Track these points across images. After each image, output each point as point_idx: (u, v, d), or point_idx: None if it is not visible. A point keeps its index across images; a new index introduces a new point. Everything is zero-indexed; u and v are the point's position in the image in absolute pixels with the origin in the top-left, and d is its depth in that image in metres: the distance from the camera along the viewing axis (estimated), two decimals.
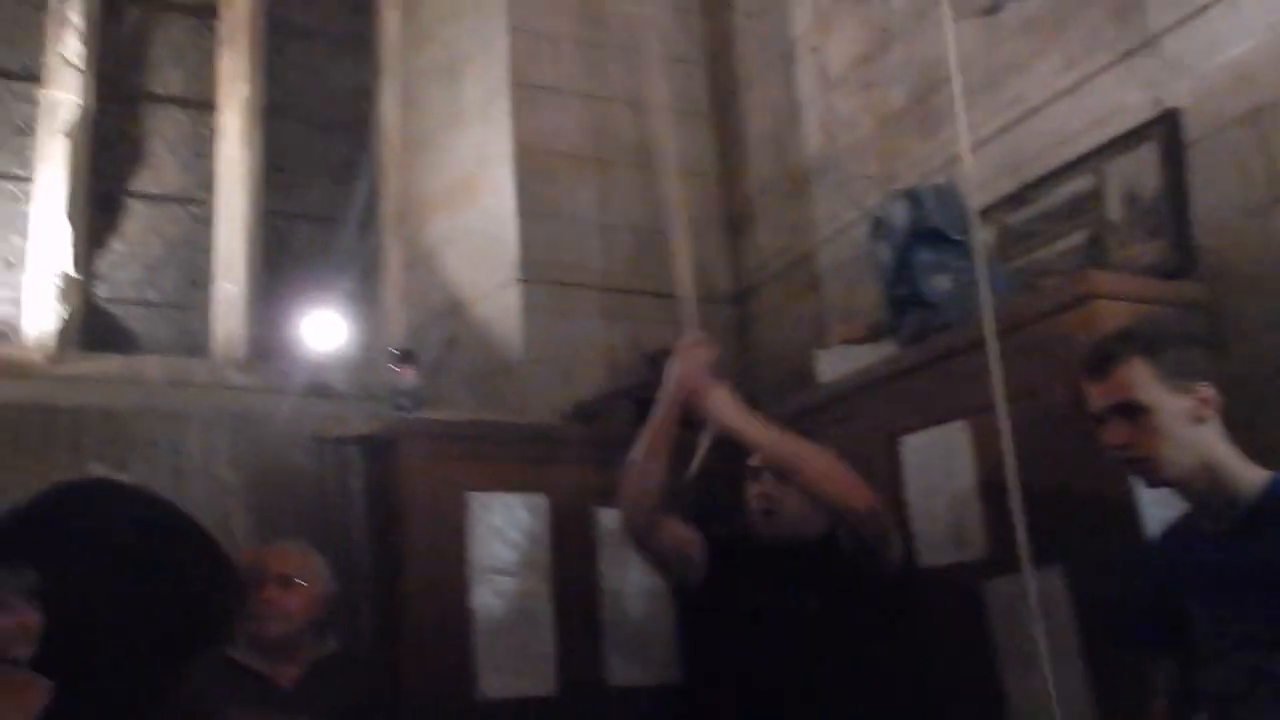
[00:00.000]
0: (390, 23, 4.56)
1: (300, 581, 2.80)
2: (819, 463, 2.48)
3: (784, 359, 3.84)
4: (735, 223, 4.26)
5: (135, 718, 2.89)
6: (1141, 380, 1.82)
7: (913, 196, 2.96)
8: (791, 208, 3.97)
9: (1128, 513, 2.18)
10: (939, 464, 2.71)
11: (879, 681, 2.47)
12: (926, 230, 2.90)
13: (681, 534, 2.64)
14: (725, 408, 2.51)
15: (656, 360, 3.38)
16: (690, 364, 2.55)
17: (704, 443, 2.55)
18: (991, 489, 2.56)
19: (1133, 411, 1.82)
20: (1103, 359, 1.88)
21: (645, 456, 2.57)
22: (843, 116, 3.77)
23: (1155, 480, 1.87)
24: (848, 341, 3.22)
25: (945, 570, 2.66)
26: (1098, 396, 1.88)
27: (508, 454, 3.30)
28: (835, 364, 3.16)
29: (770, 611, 2.55)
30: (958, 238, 2.87)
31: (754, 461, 2.70)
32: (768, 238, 4.09)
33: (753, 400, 3.58)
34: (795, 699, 2.47)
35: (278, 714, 2.67)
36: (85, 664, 3.31)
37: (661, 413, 2.58)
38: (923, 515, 2.75)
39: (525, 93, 4.04)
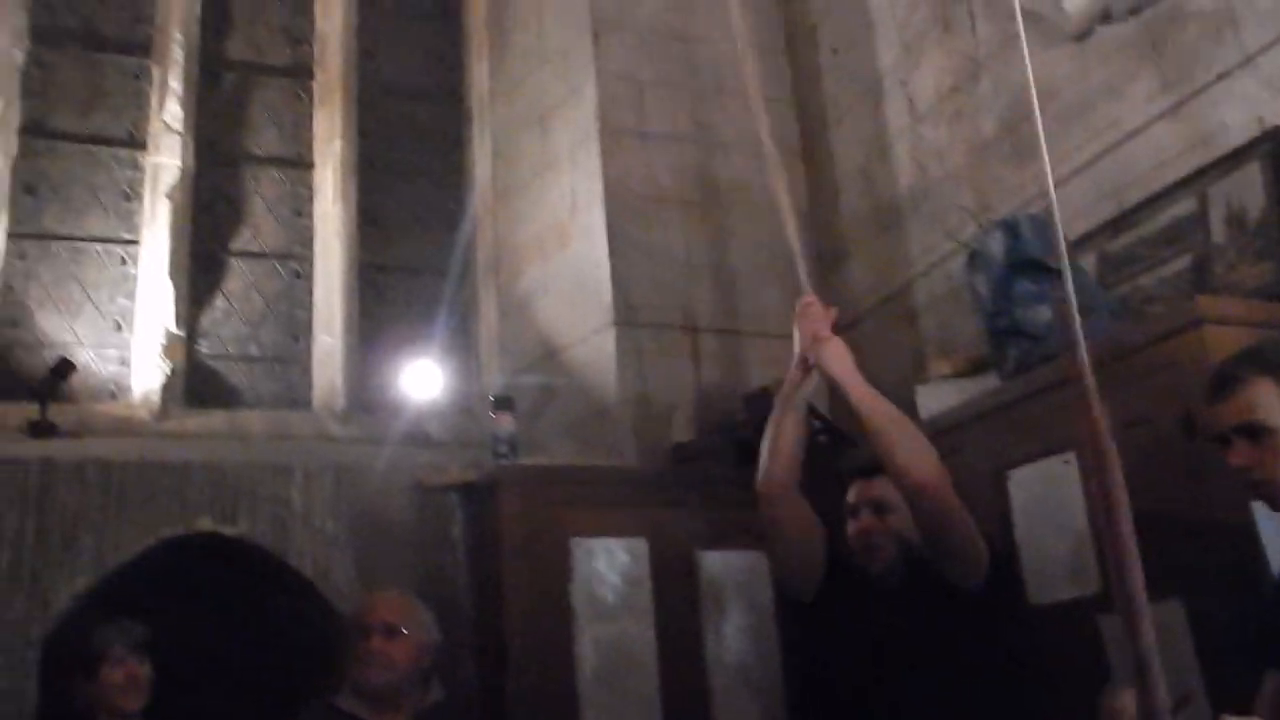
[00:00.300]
0: (478, 74, 4.74)
1: (404, 630, 2.90)
2: (900, 430, 2.58)
3: (886, 395, 3.85)
4: (828, 259, 4.31)
5: None
6: (1266, 401, 1.83)
7: (1009, 226, 2.98)
8: (885, 242, 4.00)
9: (1247, 541, 2.16)
10: (1048, 497, 2.70)
11: (980, 707, 2.47)
12: (1024, 260, 2.92)
13: (811, 517, 2.75)
14: (838, 357, 2.66)
15: (753, 401, 3.45)
16: (812, 316, 2.70)
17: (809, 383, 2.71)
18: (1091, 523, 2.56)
19: (1257, 433, 1.83)
20: (1226, 380, 1.90)
21: (777, 417, 2.73)
22: (933, 148, 3.81)
23: (1278, 504, 1.87)
24: (948, 375, 3.23)
25: (1060, 607, 2.65)
26: (1221, 417, 1.89)
27: (607, 498, 3.38)
28: (936, 398, 3.19)
29: (874, 637, 2.62)
30: (1057, 266, 2.88)
31: (851, 498, 2.75)
32: (861, 273, 4.13)
33: (849, 439, 3.64)
34: None
35: None
36: (196, 716, 3.46)
37: (791, 369, 2.75)
38: (1034, 551, 2.74)
39: (614, 137, 4.16)
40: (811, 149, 4.45)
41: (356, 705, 2.86)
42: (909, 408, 3.28)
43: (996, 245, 2.98)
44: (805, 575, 2.76)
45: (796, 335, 2.74)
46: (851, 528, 2.76)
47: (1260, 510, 2.14)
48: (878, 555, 2.70)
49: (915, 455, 2.54)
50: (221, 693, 3.86)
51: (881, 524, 2.71)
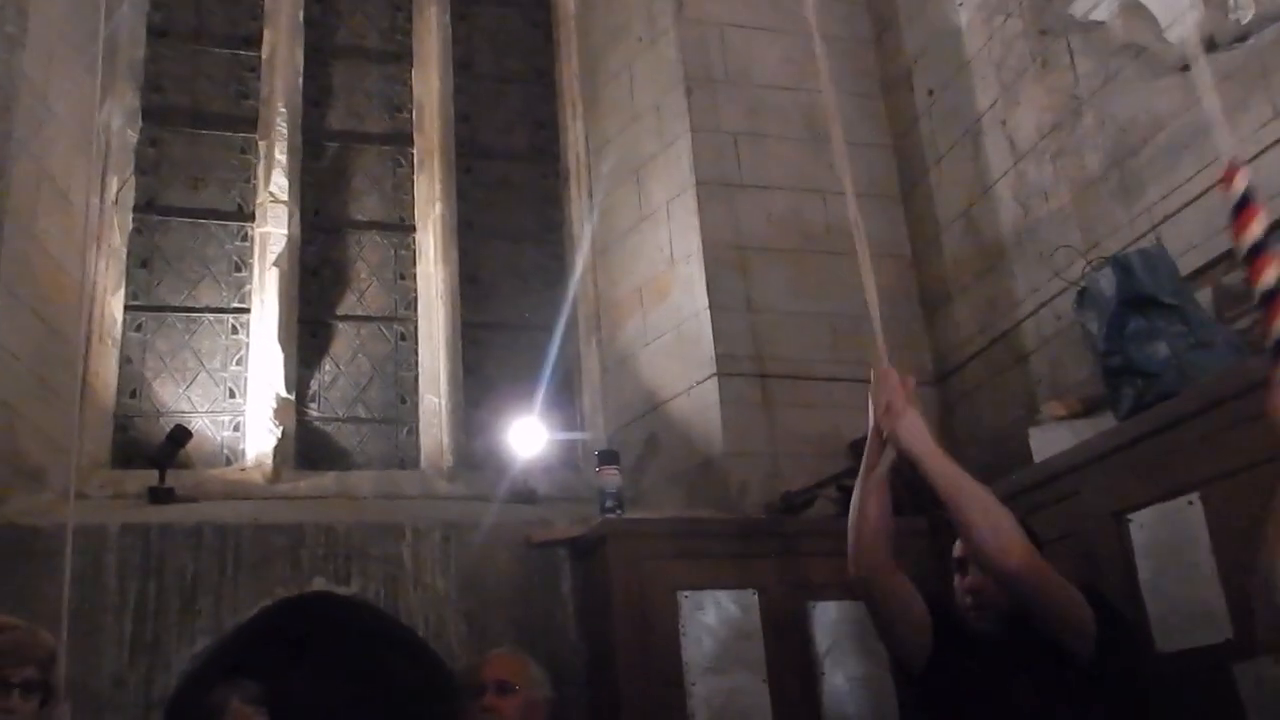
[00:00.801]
0: (574, 133, 4.91)
1: (516, 687, 2.99)
2: (979, 509, 2.46)
3: (992, 439, 3.85)
4: (932, 303, 4.33)
5: None
6: None
7: (1119, 263, 2.98)
8: (990, 283, 4.01)
9: None
10: (1171, 540, 2.67)
11: None
12: (1137, 297, 2.91)
13: (908, 589, 2.67)
14: (914, 432, 2.56)
15: (861, 447, 3.47)
16: (888, 386, 2.62)
17: (886, 458, 2.61)
18: (1231, 564, 2.52)
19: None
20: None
21: (862, 491, 2.66)
22: (1037, 186, 3.82)
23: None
24: (1062, 417, 3.22)
25: (1189, 655, 2.62)
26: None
27: (716, 550, 3.43)
28: (1050, 441, 3.18)
29: (991, 707, 2.55)
30: (1171, 302, 2.88)
31: (958, 552, 2.72)
32: (967, 315, 4.14)
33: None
34: None
35: None
36: None
37: (868, 443, 2.67)
38: (1158, 596, 2.71)
39: (709, 189, 4.26)
40: (912, 192, 4.50)
41: None
42: (1022, 451, 3.28)
43: (1107, 283, 2.98)
44: (913, 647, 2.69)
45: (871, 408, 2.65)
46: (958, 583, 2.70)
47: None
48: (985, 614, 2.63)
49: (999, 537, 2.45)
50: None
51: (989, 581, 2.61)
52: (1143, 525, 2.77)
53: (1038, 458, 3.22)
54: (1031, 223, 3.84)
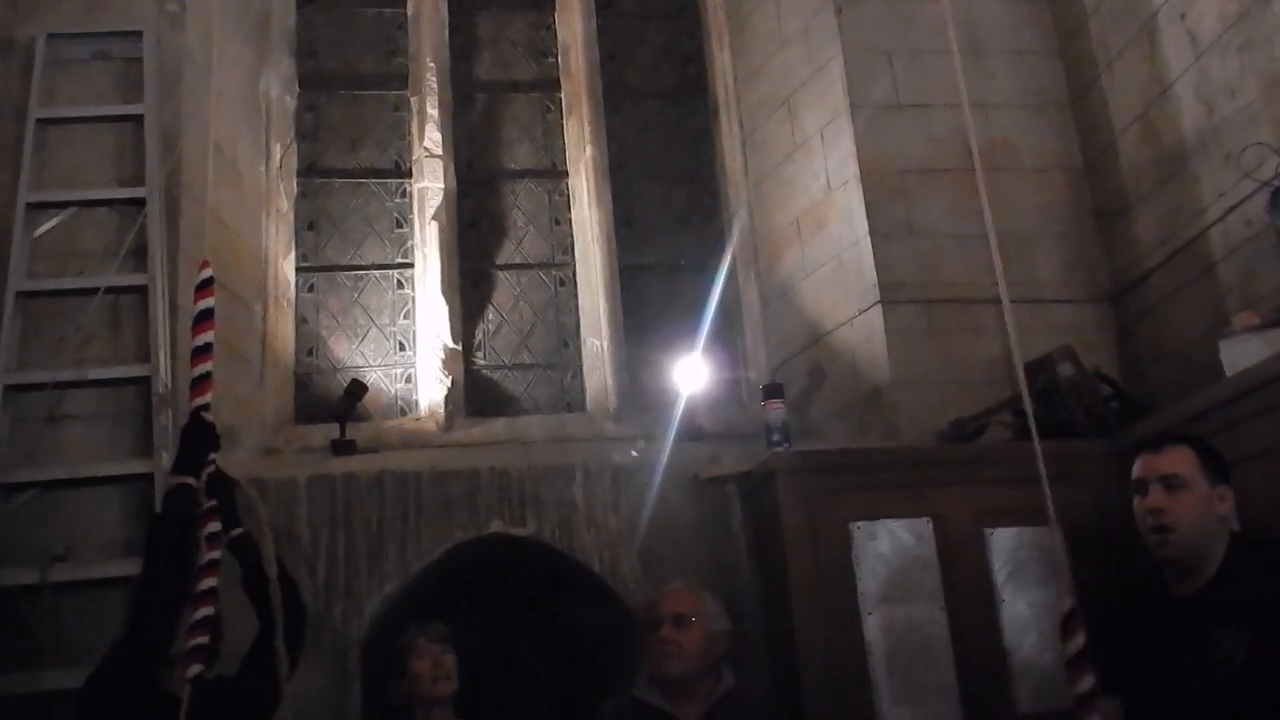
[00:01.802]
0: (721, 65, 4.92)
1: (693, 619, 3.10)
2: None
3: (1179, 354, 3.74)
4: (1108, 216, 4.20)
5: None
6: None
7: None
8: (1172, 190, 3.87)
9: None
10: None
11: None
12: None
13: None
14: None
15: (1034, 369, 3.44)
16: None
17: None
18: None
19: None
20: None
21: None
22: (1222, 83, 3.66)
23: None
24: (1255, 327, 3.12)
25: None
26: None
27: (887, 480, 3.46)
28: (1244, 353, 3.08)
29: (1193, 674, 2.49)
30: None
31: (1138, 473, 2.68)
32: (1147, 227, 4.01)
33: (1140, 404, 3.55)
34: None
35: None
36: (503, 710, 3.77)
37: None
38: None
39: (864, 112, 4.21)
40: (1082, 99, 4.36)
41: (654, 696, 3.08)
42: (1213, 366, 3.20)
43: None
44: None
45: None
46: (1138, 505, 2.67)
47: None
48: (1169, 539, 2.59)
49: None
50: (524, 689, 4.18)
51: (1173, 502, 2.60)
52: None
53: (1230, 371, 3.13)
54: (1216, 122, 3.68)
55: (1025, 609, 3.36)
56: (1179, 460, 2.64)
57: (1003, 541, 3.41)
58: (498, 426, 4.30)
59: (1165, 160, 3.91)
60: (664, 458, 3.78)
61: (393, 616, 3.56)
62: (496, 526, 3.73)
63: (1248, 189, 3.45)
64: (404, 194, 4.65)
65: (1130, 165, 4.11)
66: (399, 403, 4.39)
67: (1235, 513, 2.73)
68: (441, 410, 4.28)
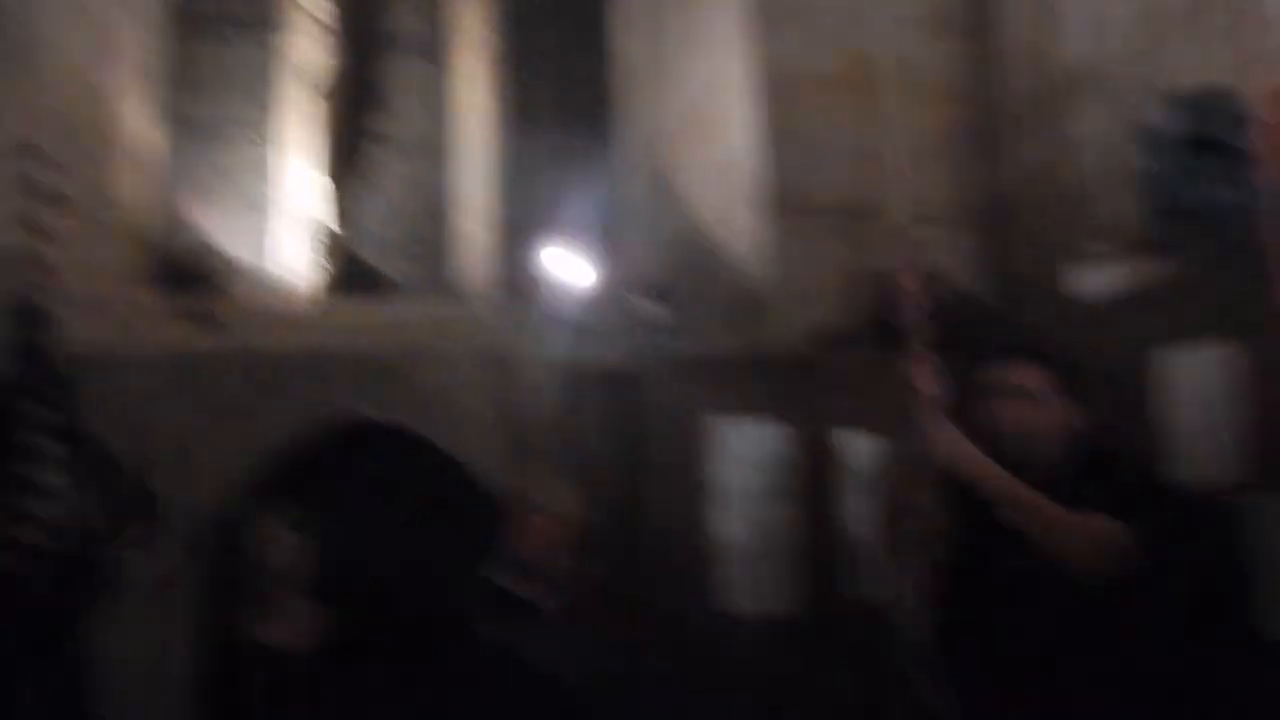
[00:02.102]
0: None
1: (555, 510, 3.14)
2: (1057, 518, 2.38)
3: (1044, 277, 3.88)
4: (992, 140, 4.29)
5: (413, 639, 3.30)
6: None
7: (1189, 103, 2.96)
8: (1051, 121, 3.97)
9: None
10: (1201, 382, 2.77)
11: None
12: (1203, 139, 2.90)
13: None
14: (956, 453, 2.45)
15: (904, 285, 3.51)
16: (921, 383, 2.44)
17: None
18: (1254, 408, 2.61)
19: None
20: None
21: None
22: (1111, 20, 3.74)
23: None
24: (1110, 256, 3.26)
25: (1200, 489, 2.74)
26: None
27: (754, 383, 3.54)
28: (1099, 280, 3.22)
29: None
30: (1238, 145, 2.87)
31: (990, 385, 2.76)
32: (1027, 154, 4.11)
33: (1010, 323, 3.68)
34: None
35: (541, 637, 3.02)
36: (362, 594, 3.79)
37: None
38: (1180, 434, 2.82)
39: (761, 17, 4.18)
40: (977, 24, 4.40)
41: (514, 582, 3.12)
42: (1073, 290, 3.34)
43: (1174, 124, 2.96)
44: None
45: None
46: (989, 416, 2.74)
47: None
48: (1017, 448, 2.68)
49: (1076, 549, 2.36)
50: (383, 573, 4.20)
51: (1022, 413, 2.56)
52: (1176, 367, 2.86)
53: (1085, 297, 3.28)
54: (1101, 58, 3.77)
55: (866, 511, 3.50)
56: (1029, 374, 2.74)
57: (856, 449, 3.54)
58: (369, 309, 4.23)
59: (1049, 91, 4.00)
60: (537, 347, 3.77)
61: (248, 497, 3.51)
62: (362, 410, 3.68)
63: (1122, 126, 3.55)
64: (273, 51, 4.44)
65: (1016, 93, 4.19)
66: (266, 278, 4.27)
67: (1079, 424, 2.89)
68: (309, 289, 4.19)
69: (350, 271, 4.34)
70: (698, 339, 3.85)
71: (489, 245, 4.36)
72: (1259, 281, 2.58)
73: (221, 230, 4.25)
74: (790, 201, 4.01)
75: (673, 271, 4.23)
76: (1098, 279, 3.19)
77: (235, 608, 3.24)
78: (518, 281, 4.21)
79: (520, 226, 4.47)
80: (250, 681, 3.09)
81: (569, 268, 3.93)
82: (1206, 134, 2.91)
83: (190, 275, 3.94)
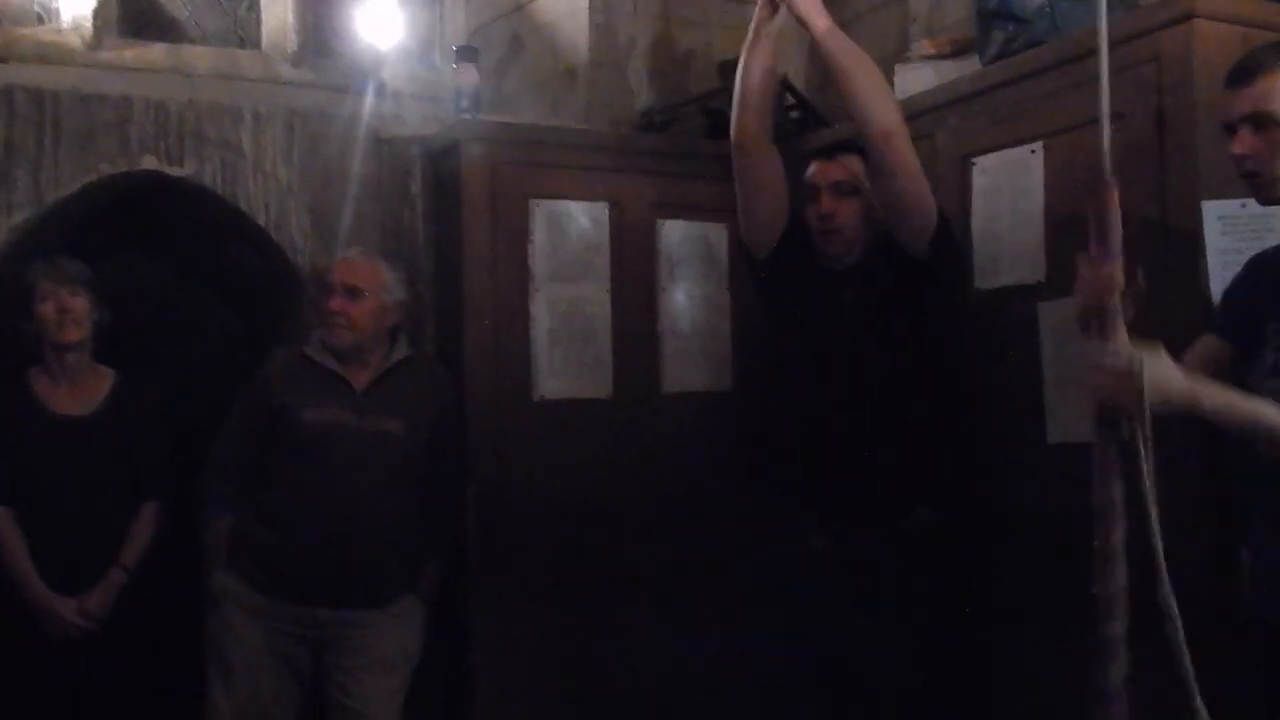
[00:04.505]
0: None
1: (366, 292, 3.14)
2: (865, 75, 2.73)
3: None
4: None
5: (210, 405, 3.30)
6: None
7: None
8: None
9: (1193, 242, 2.42)
10: (1009, 186, 2.94)
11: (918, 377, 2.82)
12: None
13: (777, 170, 2.94)
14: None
15: (728, 68, 3.57)
16: None
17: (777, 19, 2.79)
18: (1056, 214, 2.81)
19: (1263, 124, 2.01)
20: (1248, 67, 2.06)
21: (748, 54, 2.83)
22: None
23: (1264, 196, 2.09)
24: (930, 56, 3.37)
25: (1005, 291, 2.96)
26: (1233, 105, 2.06)
27: (571, 160, 3.55)
28: (915, 80, 3.34)
29: (820, 309, 2.91)
30: None
31: (811, 179, 2.94)
32: None
33: (823, 119, 3.79)
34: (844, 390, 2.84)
35: (351, 412, 3.07)
36: (154, 355, 3.72)
37: (759, 5, 2.82)
38: (988, 238, 3.02)
39: None
40: None
41: (325, 358, 3.14)
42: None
43: None
44: (763, 229, 2.97)
45: None
46: (811, 210, 2.94)
47: (1210, 209, 2.39)
48: (837, 238, 2.90)
49: (878, 100, 2.72)
50: (178, 336, 4.12)
51: (841, 206, 2.89)
52: (985, 170, 3.02)
53: (901, 95, 3.38)
54: None
55: (683, 298, 3.65)
56: (849, 167, 2.90)
57: (672, 233, 3.64)
58: (156, 52, 3.94)
59: None
60: (344, 109, 3.66)
61: (24, 250, 3.34)
62: (150, 163, 3.51)
63: None
64: None
65: None
66: (38, 9, 3.92)
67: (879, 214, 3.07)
68: (89, 24, 3.86)
69: (138, 12, 4.03)
70: (515, 113, 3.81)
71: None
72: (1068, 85, 2.74)
73: None
74: None
75: (493, 39, 4.13)
76: (916, 78, 3.30)
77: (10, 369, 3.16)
78: (325, 38, 4.01)
79: None
80: (25, 444, 3.05)
81: (379, 27, 3.76)
82: None
83: None
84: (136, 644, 3.18)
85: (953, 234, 2.84)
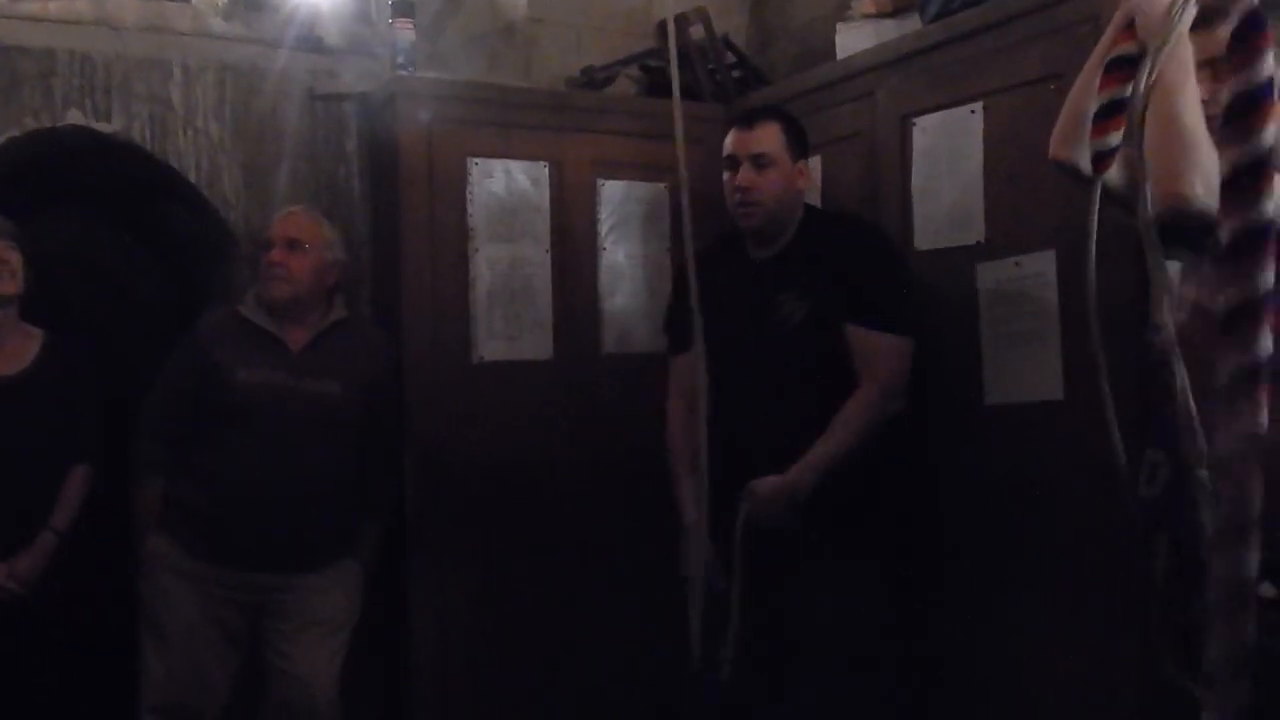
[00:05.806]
0: None
1: (306, 246, 3.11)
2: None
3: (801, 32, 3.99)
4: None
5: (142, 367, 3.27)
6: None
7: None
8: None
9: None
10: (949, 147, 2.97)
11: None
12: None
13: None
14: (773, 500, 2.75)
15: (664, 27, 3.56)
16: None
17: None
18: (995, 175, 2.85)
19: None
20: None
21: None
22: None
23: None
24: (870, 15, 3.38)
25: (944, 252, 3.00)
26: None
27: (510, 119, 3.53)
28: (855, 38, 3.35)
29: (759, 329, 2.89)
30: None
31: (730, 149, 2.92)
32: None
33: (764, 77, 3.79)
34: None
35: (286, 373, 3.05)
36: (82, 313, 3.67)
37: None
38: (927, 198, 3.05)
39: None
40: None
41: (261, 317, 3.11)
42: (828, 47, 3.46)
43: None
44: None
45: None
46: (727, 180, 2.92)
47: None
48: (753, 212, 2.88)
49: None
50: (108, 294, 4.06)
51: (760, 179, 2.86)
52: (925, 129, 3.05)
53: (841, 55, 3.40)
54: None
55: (623, 259, 3.65)
56: (767, 138, 2.89)
57: (613, 193, 3.63)
58: (81, 4, 3.85)
59: None
60: (277, 65, 3.60)
61: None
62: (75, 118, 3.44)
63: None
64: None
65: None
66: None
67: (813, 187, 3.09)
68: None
69: None
70: (453, 70, 3.77)
71: None
72: (1008, 45, 2.77)
73: None
74: None
75: None
76: (856, 37, 3.31)
77: None
78: None
79: None
80: None
81: None
82: None
83: None
84: (69, 608, 3.15)
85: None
